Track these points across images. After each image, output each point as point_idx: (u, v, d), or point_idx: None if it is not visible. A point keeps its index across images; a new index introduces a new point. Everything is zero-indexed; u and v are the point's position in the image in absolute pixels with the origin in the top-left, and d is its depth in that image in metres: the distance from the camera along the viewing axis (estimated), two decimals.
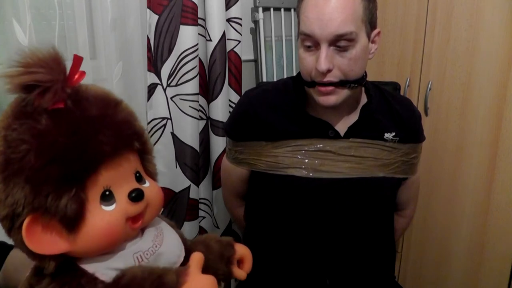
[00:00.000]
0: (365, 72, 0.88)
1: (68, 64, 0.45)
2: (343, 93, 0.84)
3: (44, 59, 0.42)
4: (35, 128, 0.42)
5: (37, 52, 0.42)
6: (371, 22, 0.82)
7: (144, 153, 0.53)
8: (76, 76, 0.46)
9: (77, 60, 0.45)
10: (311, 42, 0.81)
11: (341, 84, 0.82)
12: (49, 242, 0.44)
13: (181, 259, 0.54)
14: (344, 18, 0.77)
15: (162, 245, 0.52)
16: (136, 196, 0.47)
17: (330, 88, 0.82)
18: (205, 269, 0.57)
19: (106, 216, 0.46)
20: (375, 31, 0.85)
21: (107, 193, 0.46)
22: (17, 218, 0.43)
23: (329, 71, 0.80)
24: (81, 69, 0.47)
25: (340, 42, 0.78)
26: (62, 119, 0.43)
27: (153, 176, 0.55)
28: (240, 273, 0.64)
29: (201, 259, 0.52)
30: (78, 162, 0.43)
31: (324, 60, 0.78)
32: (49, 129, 0.42)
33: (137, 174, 0.51)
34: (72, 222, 0.43)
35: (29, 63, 0.42)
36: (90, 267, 0.46)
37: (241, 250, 0.65)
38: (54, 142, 0.42)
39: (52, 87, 0.42)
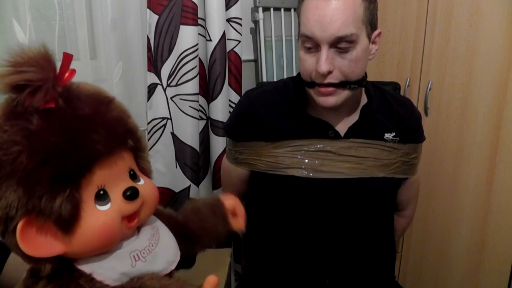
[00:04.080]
0: (365, 72, 0.88)
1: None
2: (344, 94, 0.84)
3: (34, 57, 0.41)
4: (26, 128, 0.41)
5: (27, 51, 0.41)
6: (371, 23, 0.82)
7: (138, 151, 0.52)
8: (67, 74, 0.44)
9: (67, 58, 0.44)
10: (311, 44, 0.81)
11: (342, 85, 0.82)
12: (44, 244, 0.43)
13: (178, 257, 0.54)
14: (345, 19, 0.76)
15: (159, 244, 0.52)
16: (131, 194, 0.46)
17: (331, 89, 0.82)
18: (207, 232, 0.61)
19: (101, 216, 0.45)
20: (376, 32, 0.85)
21: (102, 192, 0.45)
22: (11, 221, 0.41)
23: (329, 72, 0.80)
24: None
25: (341, 44, 0.78)
26: (54, 118, 0.42)
27: (147, 173, 0.54)
28: (238, 223, 0.68)
29: (216, 283, 0.51)
30: (71, 162, 0.42)
31: (324, 62, 0.78)
32: (41, 129, 0.41)
33: (131, 172, 0.50)
34: (67, 223, 0.42)
35: (19, 62, 0.40)
36: (86, 268, 0.45)
37: (230, 202, 0.68)
38: (46, 142, 0.41)
39: (42, 86, 0.41)
